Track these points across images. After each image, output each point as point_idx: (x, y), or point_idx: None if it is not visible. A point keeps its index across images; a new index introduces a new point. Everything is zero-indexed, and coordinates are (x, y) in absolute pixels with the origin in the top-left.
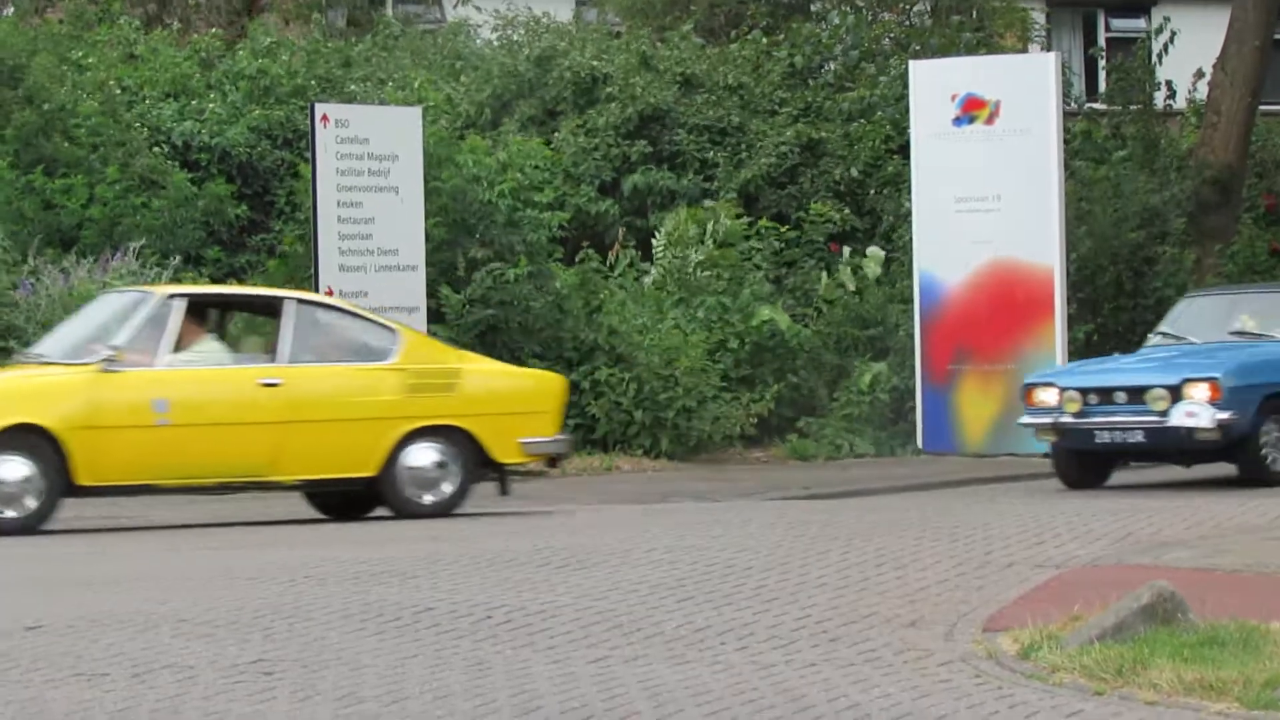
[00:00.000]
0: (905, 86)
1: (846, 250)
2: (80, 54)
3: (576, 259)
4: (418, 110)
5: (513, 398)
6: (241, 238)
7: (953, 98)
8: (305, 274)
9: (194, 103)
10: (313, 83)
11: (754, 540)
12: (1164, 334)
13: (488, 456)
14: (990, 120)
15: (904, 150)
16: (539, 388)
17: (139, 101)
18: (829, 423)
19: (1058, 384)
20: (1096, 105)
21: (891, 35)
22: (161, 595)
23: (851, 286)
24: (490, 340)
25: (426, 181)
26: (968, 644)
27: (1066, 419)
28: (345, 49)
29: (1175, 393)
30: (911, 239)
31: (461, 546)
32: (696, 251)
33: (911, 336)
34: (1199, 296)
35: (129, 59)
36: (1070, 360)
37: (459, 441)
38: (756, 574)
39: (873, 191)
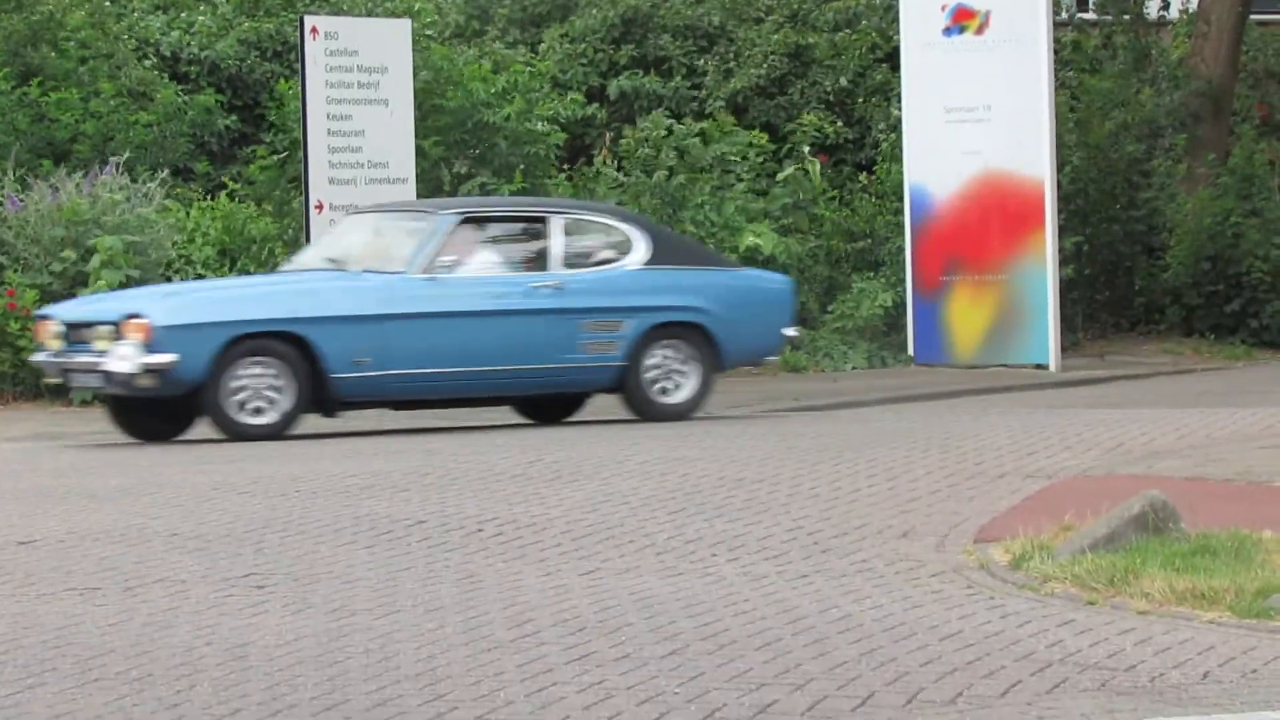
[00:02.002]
0: None
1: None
2: None
3: (569, 171)
4: (406, 22)
5: None
6: (231, 150)
7: (943, 8)
8: (272, 192)
9: (183, 15)
10: None
11: (745, 452)
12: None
13: None
14: (980, 30)
15: (890, 59)
16: None
17: (127, 14)
18: (821, 335)
19: (55, 315)
20: (1087, 15)
21: None
22: (154, 510)
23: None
24: None
25: (429, 99)
26: (959, 555)
27: (54, 358)
28: None
29: (119, 330)
30: (901, 150)
31: (452, 460)
32: (666, 154)
33: (901, 249)
34: (360, 214)
35: None
36: (1064, 271)
37: None
38: (748, 486)
39: (861, 100)
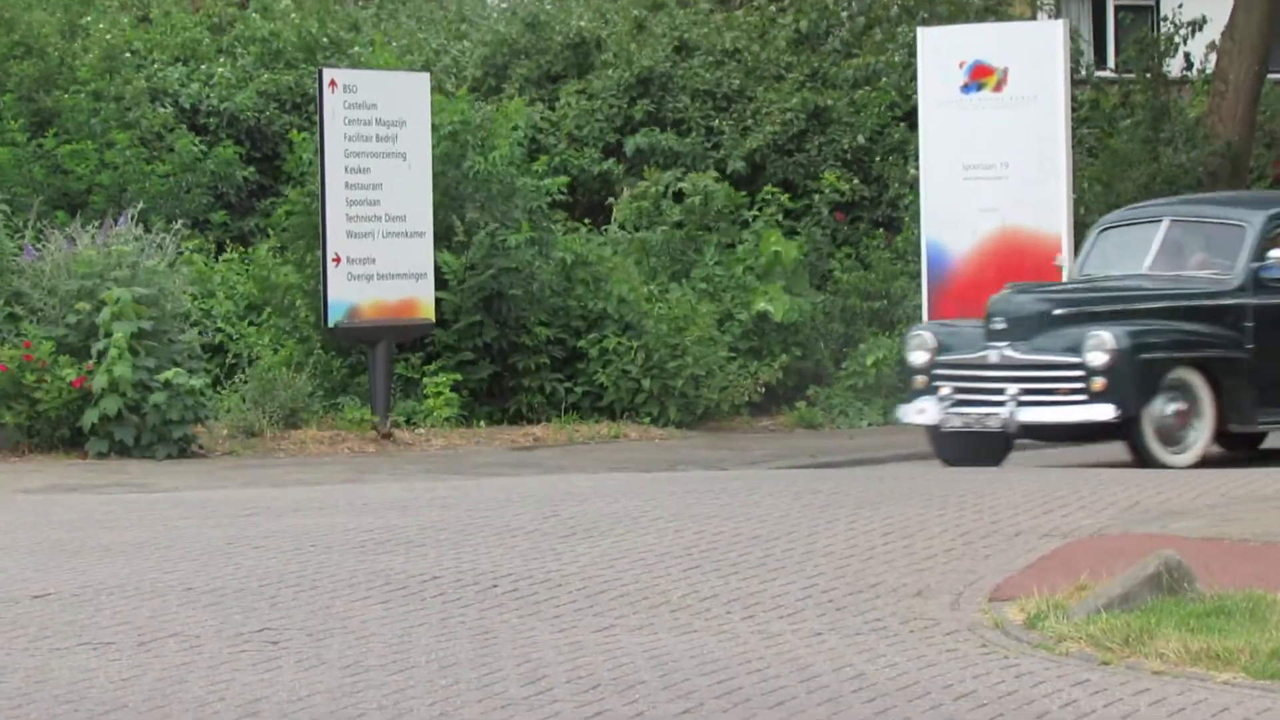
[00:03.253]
0: (912, 54)
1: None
2: (89, 18)
3: (573, 228)
4: (425, 75)
5: None
6: (250, 202)
7: (960, 65)
8: (299, 241)
9: (203, 67)
10: (324, 40)
11: (760, 509)
12: None
13: None
14: (998, 87)
15: (909, 117)
16: None
17: (147, 65)
18: (836, 392)
19: None
20: (1105, 73)
21: (900, 2)
22: (168, 563)
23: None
24: (496, 307)
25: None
26: (974, 613)
27: None
28: (353, 13)
29: None
30: (919, 207)
31: (468, 515)
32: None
33: (919, 308)
34: None
35: (141, 21)
36: None
37: None
38: (763, 543)
39: (879, 159)
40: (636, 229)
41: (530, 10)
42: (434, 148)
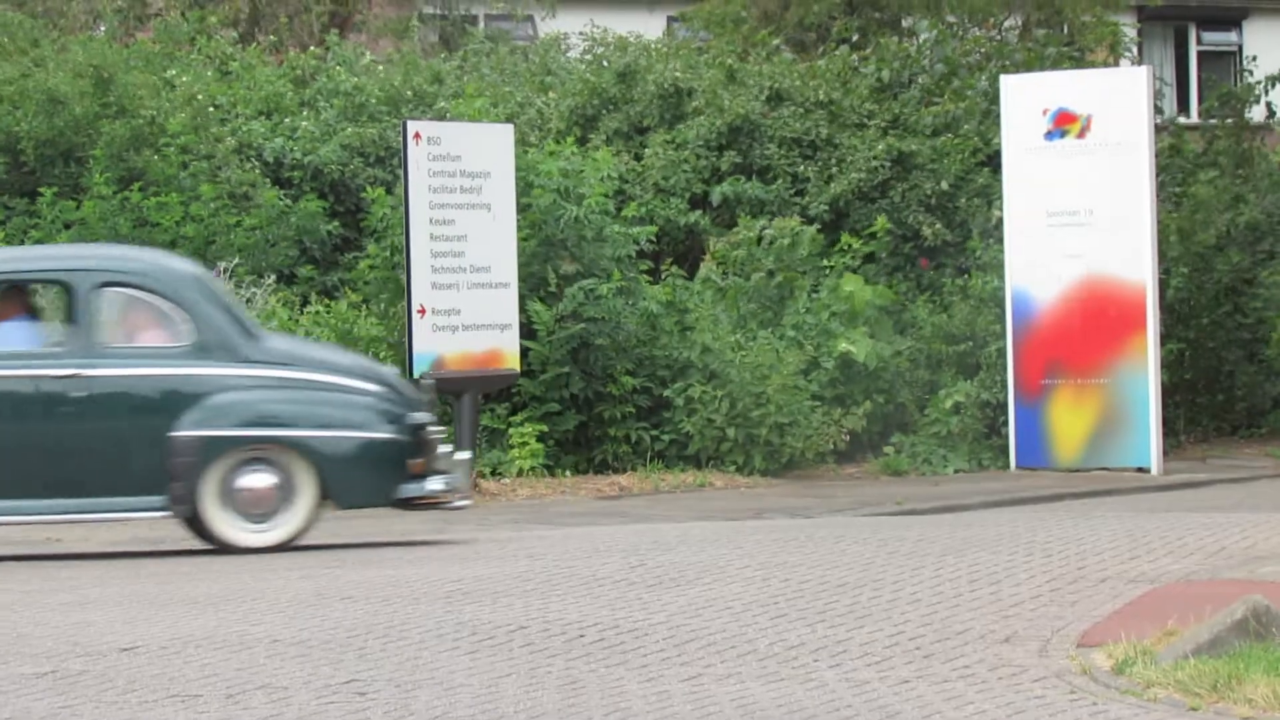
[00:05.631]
0: (991, 101)
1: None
2: (173, 71)
3: (663, 276)
4: (509, 127)
5: None
6: (334, 255)
7: (1044, 112)
8: (382, 295)
9: (287, 120)
10: (408, 93)
11: (847, 557)
12: None
13: None
14: (1082, 134)
15: (990, 162)
16: None
17: (232, 119)
18: (921, 439)
19: None
20: (1187, 120)
21: (981, 50)
22: (254, 615)
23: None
24: (584, 357)
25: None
26: (1062, 660)
27: None
28: (436, 66)
29: None
30: (1002, 253)
31: (554, 564)
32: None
33: (1002, 352)
34: None
35: (223, 76)
36: (1163, 376)
37: None
38: (850, 591)
39: (963, 201)
40: (727, 276)
41: (624, 62)
42: (538, 199)
